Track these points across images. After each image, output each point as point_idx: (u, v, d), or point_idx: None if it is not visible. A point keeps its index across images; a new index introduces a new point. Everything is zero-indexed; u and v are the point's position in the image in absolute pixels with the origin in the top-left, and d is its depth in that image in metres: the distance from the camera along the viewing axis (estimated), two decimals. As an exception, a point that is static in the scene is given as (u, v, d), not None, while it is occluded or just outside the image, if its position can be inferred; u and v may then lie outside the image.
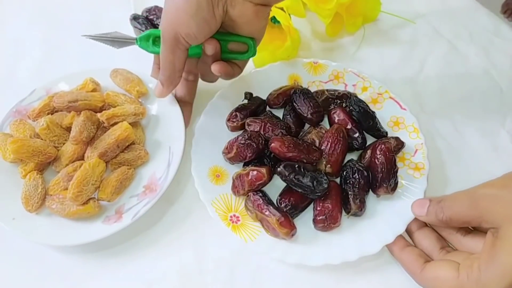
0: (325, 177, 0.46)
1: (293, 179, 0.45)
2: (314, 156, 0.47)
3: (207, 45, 0.47)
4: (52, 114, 0.55)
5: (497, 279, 0.35)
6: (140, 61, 0.63)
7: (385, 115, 0.54)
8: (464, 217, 0.40)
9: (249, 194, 0.48)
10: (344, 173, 0.48)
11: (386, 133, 0.52)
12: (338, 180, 0.49)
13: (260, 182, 0.47)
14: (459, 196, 0.41)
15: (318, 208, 0.46)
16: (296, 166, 0.46)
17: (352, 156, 0.52)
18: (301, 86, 0.56)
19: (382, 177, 0.47)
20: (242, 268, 0.48)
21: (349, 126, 0.51)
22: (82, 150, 0.52)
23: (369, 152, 0.49)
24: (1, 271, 0.50)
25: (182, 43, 0.45)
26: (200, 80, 0.62)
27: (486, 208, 0.38)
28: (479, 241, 0.40)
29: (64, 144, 0.53)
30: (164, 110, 0.56)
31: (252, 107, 0.53)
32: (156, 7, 0.64)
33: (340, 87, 0.57)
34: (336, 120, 0.52)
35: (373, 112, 0.52)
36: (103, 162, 0.50)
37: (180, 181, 0.53)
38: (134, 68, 0.58)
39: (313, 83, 0.57)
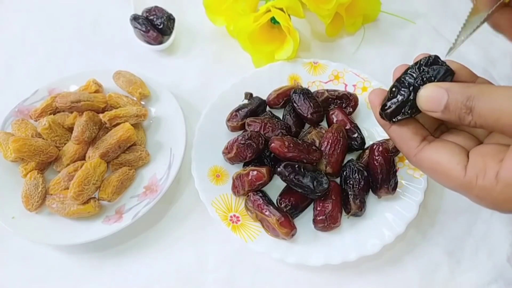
0: (325, 177, 0.46)
1: (293, 179, 0.45)
2: (314, 156, 0.48)
3: None
4: (54, 114, 0.55)
5: None
6: (140, 62, 0.64)
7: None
8: (506, 124, 0.28)
9: (249, 194, 0.48)
10: (344, 173, 0.48)
11: None
12: (338, 180, 0.49)
13: (260, 182, 0.47)
14: (501, 94, 0.28)
15: (318, 208, 0.47)
16: (296, 166, 0.46)
17: (352, 156, 0.52)
18: (301, 86, 0.56)
19: (383, 178, 0.47)
20: (242, 268, 0.48)
21: (347, 127, 0.51)
22: (84, 151, 0.52)
23: (367, 152, 0.49)
24: (1, 270, 0.50)
25: None
26: (199, 83, 0.62)
27: None
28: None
29: (65, 144, 0.53)
30: (165, 112, 0.56)
31: (252, 107, 0.53)
32: (156, 7, 0.64)
33: (340, 87, 0.57)
34: (334, 121, 0.52)
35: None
36: (104, 162, 0.50)
37: (180, 181, 0.54)
38: (133, 69, 0.58)
39: (313, 83, 0.58)
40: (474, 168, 0.30)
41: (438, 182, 0.32)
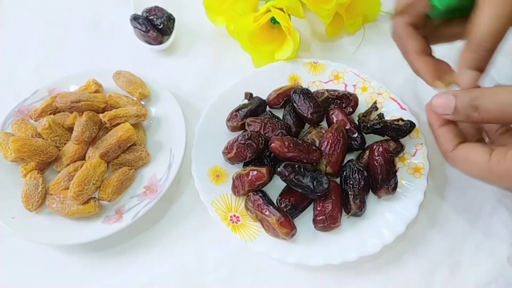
0: (325, 177, 0.46)
1: (293, 179, 0.45)
2: (314, 156, 0.48)
3: None
4: (54, 114, 0.55)
5: None
6: (140, 62, 0.64)
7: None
8: (508, 117, 0.34)
9: (249, 194, 0.48)
10: (344, 173, 0.48)
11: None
12: (338, 180, 0.49)
13: (260, 182, 0.47)
14: (502, 91, 0.34)
15: (318, 208, 0.47)
16: (296, 166, 0.46)
17: (352, 156, 0.52)
18: (301, 86, 0.56)
19: (382, 178, 0.46)
20: (242, 268, 0.48)
21: (347, 127, 0.51)
22: (84, 151, 0.52)
23: (367, 152, 0.49)
24: (1, 270, 0.50)
25: None
26: (199, 83, 0.62)
27: None
28: None
29: (65, 144, 0.53)
30: (165, 112, 0.56)
31: (252, 107, 0.53)
32: (156, 7, 0.64)
33: (340, 87, 0.57)
34: (334, 121, 0.52)
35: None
36: (104, 162, 0.50)
37: (180, 181, 0.54)
38: (133, 69, 0.58)
39: (313, 83, 0.58)
40: (497, 154, 0.36)
41: (466, 171, 0.38)
